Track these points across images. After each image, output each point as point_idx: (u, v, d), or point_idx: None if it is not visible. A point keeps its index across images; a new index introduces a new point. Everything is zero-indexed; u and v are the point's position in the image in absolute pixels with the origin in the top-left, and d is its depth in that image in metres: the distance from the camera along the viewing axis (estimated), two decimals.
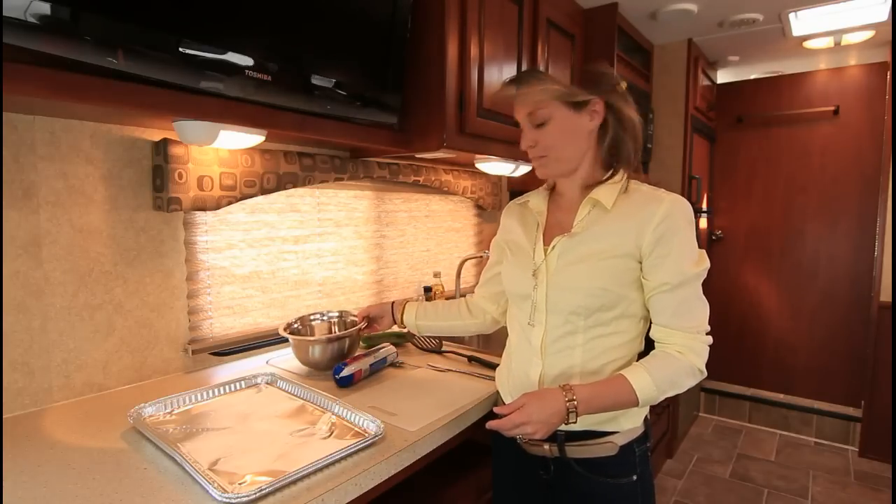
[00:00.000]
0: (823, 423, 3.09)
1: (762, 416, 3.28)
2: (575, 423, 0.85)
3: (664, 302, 0.90)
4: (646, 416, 0.99)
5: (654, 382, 0.85)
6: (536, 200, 1.04)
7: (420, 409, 1.04)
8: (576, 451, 0.94)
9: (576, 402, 0.83)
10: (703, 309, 0.91)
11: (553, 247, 0.94)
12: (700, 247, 0.92)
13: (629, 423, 0.94)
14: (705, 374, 0.90)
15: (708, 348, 0.91)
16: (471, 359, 1.40)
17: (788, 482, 2.60)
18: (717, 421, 3.35)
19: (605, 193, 0.92)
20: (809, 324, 3.23)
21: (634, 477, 0.95)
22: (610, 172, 0.96)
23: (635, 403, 0.86)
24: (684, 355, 0.88)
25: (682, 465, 2.76)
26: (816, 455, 2.90)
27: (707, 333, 0.91)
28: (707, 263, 0.91)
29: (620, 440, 0.93)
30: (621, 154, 0.95)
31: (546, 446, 0.95)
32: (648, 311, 0.94)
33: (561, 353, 0.93)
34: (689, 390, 3.10)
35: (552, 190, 1.05)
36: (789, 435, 3.16)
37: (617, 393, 0.86)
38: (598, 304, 0.90)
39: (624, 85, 0.93)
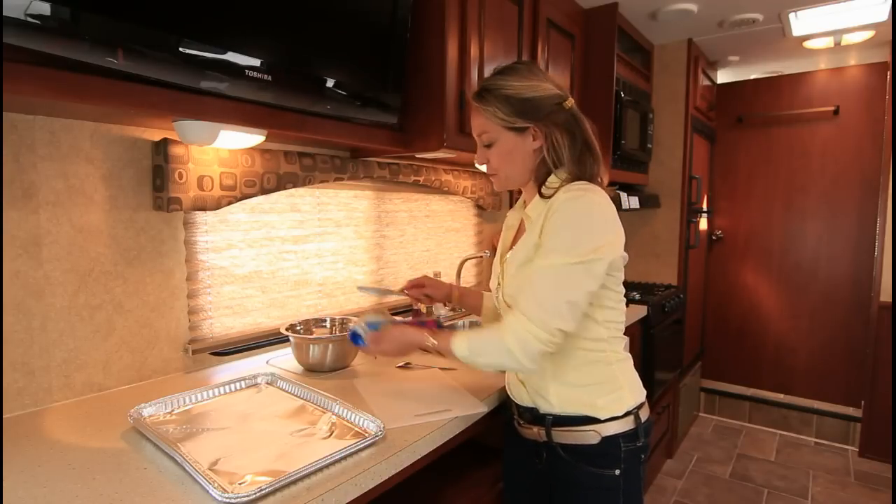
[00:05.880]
0: (823, 423, 3.09)
1: (762, 416, 3.28)
2: (430, 350, 1.01)
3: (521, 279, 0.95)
4: (636, 415, 0.99)
5: (468, 346, 0.95)
6: (513, 215, 1.13)
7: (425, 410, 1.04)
8: (561, 435, 1.00)
9: (433, 342, 1.00)
10: (547, 298, 0.88)
11: (506, 260, 1.06)
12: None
13: (606, 413, 0.97)
14: (523, 363, 0.89)
15: (536, 342, 0.88)
16: None
17: (788, 482, 2.60)
18: (717, 421, 3.35)
19: (534, 207, 1.00)
20: (809, 324, 3.23)
21: (617, 472, 0.98)
22: (547, 183, 0.99)
23: (454, 355, 0.97)
24: (502, 331, 0.91)
25: (682, 465, 2.76)
26: (816, 455, 2.90)
27: (549, 332, 0.87)
28: (586, 256, 0.88)
29: (603, 431, 0.97)
30: (563, 163, 0.99)
31: (535, 429, 1.03)
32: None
33: None
34: (689, 390, 3.12)
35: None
36: (789, 435, 3.16)
37: (447, 347, 0.97)
38: None
39: (569, 103, 0.99)
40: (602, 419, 0.97)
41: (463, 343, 0.95)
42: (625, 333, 1.05)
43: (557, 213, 0.91)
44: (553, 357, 0.96)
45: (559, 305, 0.88)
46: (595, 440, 0.97)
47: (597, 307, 0.97)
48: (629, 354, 1.06)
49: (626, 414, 0.99)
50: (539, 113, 0.97)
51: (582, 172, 0.98)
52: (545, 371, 1.00)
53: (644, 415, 1.02)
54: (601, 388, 0.99)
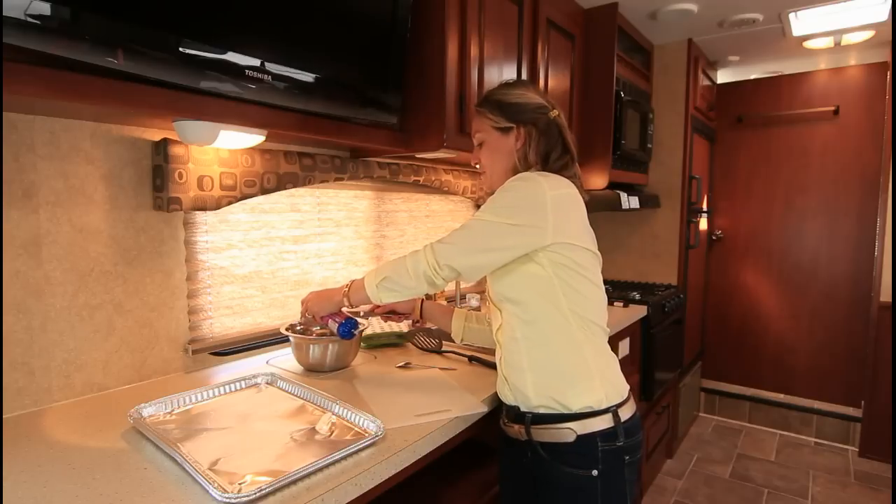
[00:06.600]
0: (823, 423, 3.09)
1: (762, 416, 3.28)
2: (348, 304, 1.14)
3: None
4: (615, 413, 0.98)
5: (376, 270, 1.08)
6: None
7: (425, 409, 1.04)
8: (539, 433, 1.01)
9: (347, 289, 1.13)
10: (454, 238, 1.02)
11: None
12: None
13: (576, 403, 0.97)
14: (409, 276, 1.02)
15: (425, 263, 1.00)
16: (471, 359, 1.40)
17: (788, 482, 2.60)
18: (717, 421, 3.36)
19: None
20: (809, 324, 3.23)
21: (594, 472, 0.97)
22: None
23: (366, 292, 1.09)
24: (408, 254, 1.05)
25: (682, 465, 2.76)
26: (816, 455, 2.90)
27: (438, 262, 1.00)
28: (504, 219, 0.98)
29: (580, 429, 0.97)
30: (532, 163, 1.08)
31: (516, 427, 1.04)
32: (555, 291, 0.99)
33: (504, 334, 1.06)
34: (689, 390, 3.12)
35: None
36: (789, 435, 3.16)
37: (360, 283, 1.10)
38: (501, 294, 1.04)
39: (554, 113, 1.09)
40: (573, 410, 0.97)
41: (370, 273, 1.08)
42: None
43: (502, 186, 1.03)
44: (528, 345, 1.00)
45: (459, 246, 1.00)
46: (571, 438, 0.97)
47: (562, 290, 0.98)
48: (613, 354, 1.06)
49: (604, 411, 0.97)
50: (521, 116, 1.08)
51: (551, 171, 1.06)
52: (521, 361, 1.01)
53: (626, 414, 1.00)
54: (572, 377, 0.98)
